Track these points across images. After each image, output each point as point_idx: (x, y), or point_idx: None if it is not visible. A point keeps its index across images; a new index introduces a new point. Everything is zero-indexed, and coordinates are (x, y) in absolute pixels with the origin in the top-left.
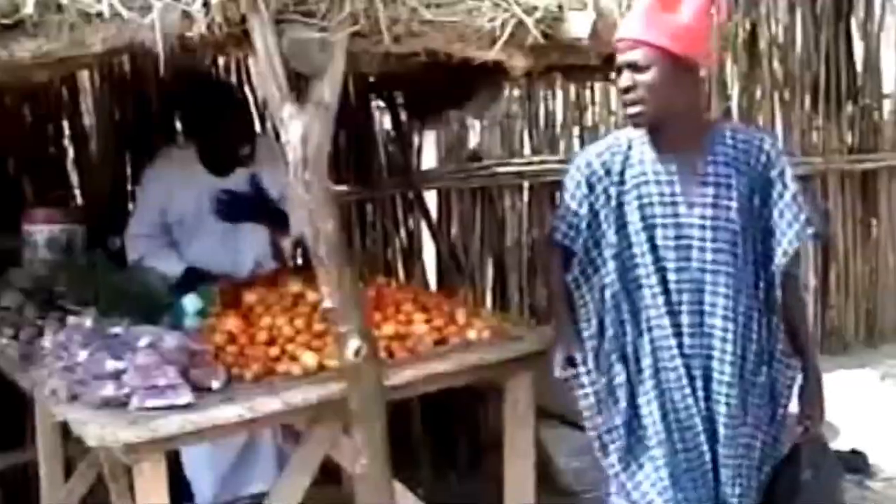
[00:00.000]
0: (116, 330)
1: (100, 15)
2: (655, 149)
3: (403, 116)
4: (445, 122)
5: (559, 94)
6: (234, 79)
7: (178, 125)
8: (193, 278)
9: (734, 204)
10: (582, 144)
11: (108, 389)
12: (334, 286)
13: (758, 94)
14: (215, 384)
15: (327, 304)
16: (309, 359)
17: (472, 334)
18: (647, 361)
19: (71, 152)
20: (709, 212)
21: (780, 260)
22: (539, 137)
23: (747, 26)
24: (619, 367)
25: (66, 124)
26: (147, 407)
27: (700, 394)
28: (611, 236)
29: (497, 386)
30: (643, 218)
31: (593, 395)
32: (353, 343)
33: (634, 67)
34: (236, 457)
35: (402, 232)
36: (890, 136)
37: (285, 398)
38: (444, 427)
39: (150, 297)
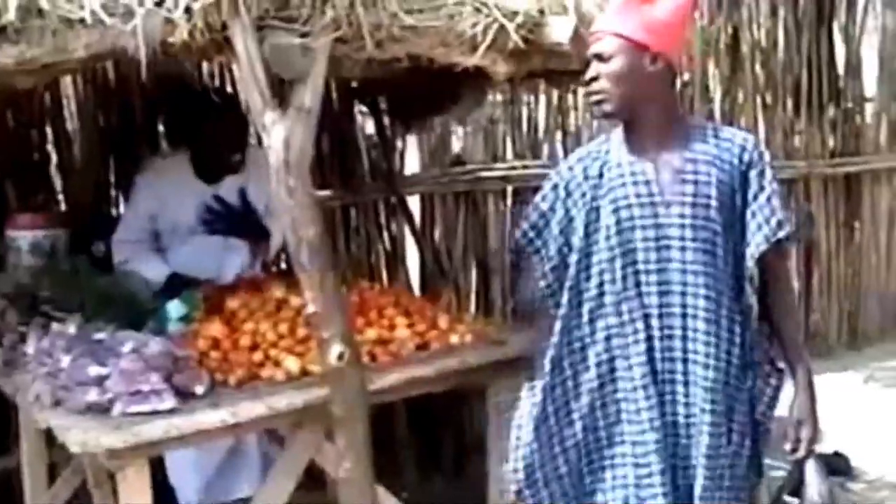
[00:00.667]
0: (100, 336)
1: (82, 21)
2: (632, 148)
3: (387, 121)
4: (429, 126)
5: (542, 98)
6: (226, 85)
7: (162, 131)
8: (178, 283)
9: (714, 202)
10: (565, 149)
11: (92, 395)
12: (317, 291)
13: (740, 97)
14: (199, 389)
15: (310, 309)
16: (292, 364)
17: (454, 338)
18: (595, 371)
19: (54, 157)
20: (688, 210)
21: (748, 262)
22: (522, 142)
23: (729, 30)
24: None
25: (49, 129)
26: (131, 412)
27: (680, 400)
28: (576, 240)
29: (481, 389)
30: (618, 221)
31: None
32: (336, 348)
33: (599, 58)
34: (221, 462)
35: (386, 236)
36: (872, 140)
37: (269, 403)
38: (428, 430)
39: (135, 303)
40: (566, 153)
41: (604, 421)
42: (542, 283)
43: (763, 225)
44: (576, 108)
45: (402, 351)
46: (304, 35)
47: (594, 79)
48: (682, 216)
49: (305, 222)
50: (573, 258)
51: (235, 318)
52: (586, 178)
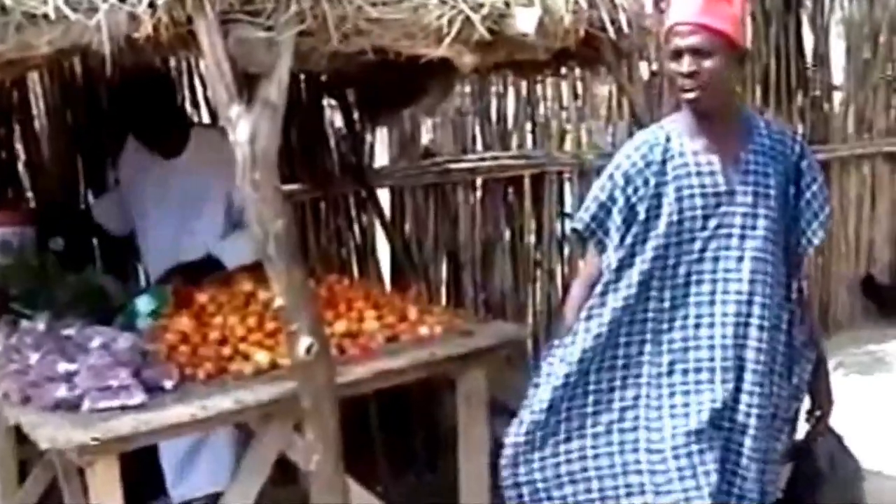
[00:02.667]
0: (69, 332)
1: (46, 17)
2: (696, 138)
3: (355, 114)
4: (397, 119)
5: (511, 89)
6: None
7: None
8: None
9: (772, 192)
10: (534, 140)
11: (61, 391)
12: (284, 284)
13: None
14: (168, 384)
15: (278, 302)
16: (261, 357)
17: (423, 330)
18: (624, 351)
19: (22, 154)
20: (750, 199)
21: (806, 250)
22: (491, 133)
23: None
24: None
25: (16, 126)
26: (100, 408)
27: (730, 386)
28: (635, 225)
29: (451, 380)
30: (681, 210)
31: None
32: (305, 341)
33: (698, 52)
34: (191, 451)
35: (356, 229)
36: (840, 128)
37: (238, 397)
38: (401, 423)
39: (104, 299)
40: (535, 144)
41: (620, 403)
42: (608, 275)
43: (819, 212)
44: (545, 99)
45: (372, 343)
46: (268, 29)
47: (693, 74)
48: (744, 204)
49: (272, 216)
50: (628, 241)
51: (204, 312)
52: (647, 164)
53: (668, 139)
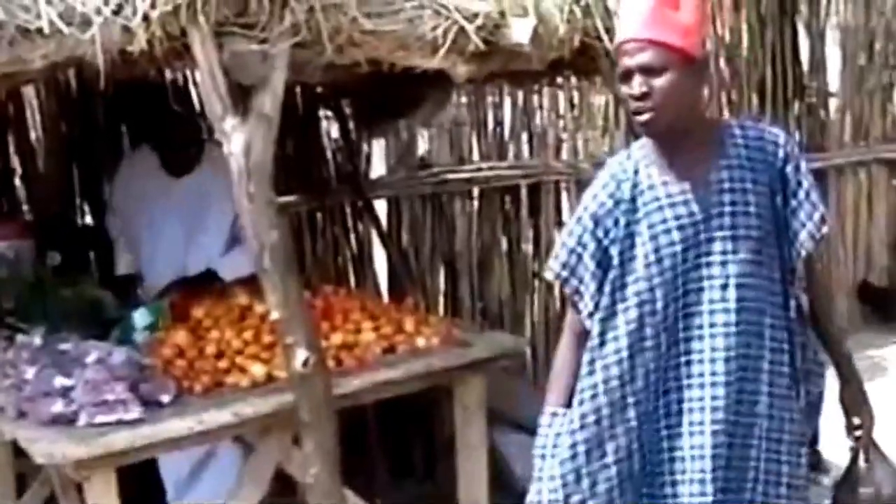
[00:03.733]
0: (65, 346)
1: (40, 31)
2: (664, 166)
3: (352, 125)
4: (394, 129)
5: (507, 99)
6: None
7: (126, 134)
8: (126, 287)
9: (752, 209)
10: (531, 150)
11: (57, 406)
12: (280, 297)
13: (705, 93)
14: (165, 398)
15: (274, 315)
16: (258, 370)
17: (420, 341)
18: (634, 412)
19: (18, 168)
20: (727, 221)
21: (795, 262)
22: (488, 144)
23: None
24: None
25: (12, 139)
26: (96, 423)
27: (730, 419)
28: (621, 268)
29: (449, 390)
30: (657, 248)
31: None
32: (301, 353)
33: (648, 71)
34: (196, 463)
35: (353, 240)
36: (836, 135)
37: (235, 410)
38: (399, 433)
39: (100, 313)
40: (532, 154)
41: (638, 465)
42: (588, 324)
43: (806, 222)
44: (541, 109)
45: (368, 355)
46: (263, 41)
47: (645, 95)
48: (721, 228)
49: (267, 228)
50: (606, 289)
51: (200, 326)
52: (617, 203)
53: (636, 171)
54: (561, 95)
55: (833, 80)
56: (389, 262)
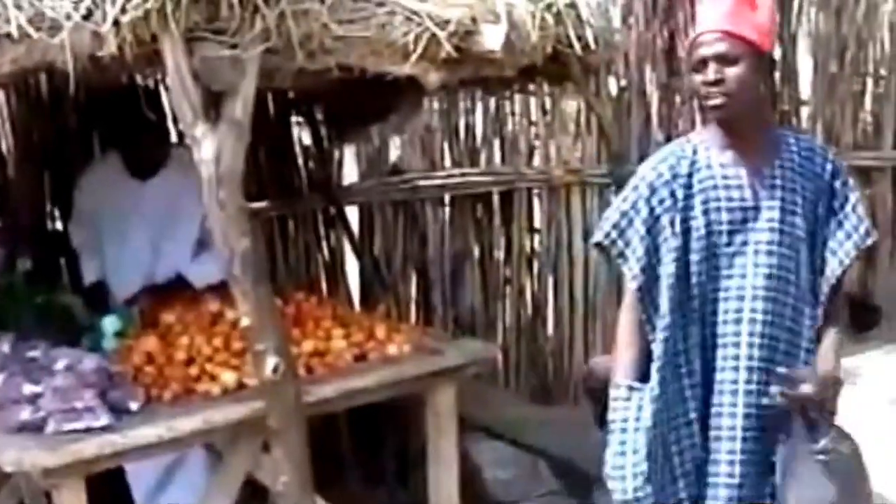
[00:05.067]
0: (34, 353)
1: (9, 35)
2: (724, 151)
3: (323, 131)
4: (366, 136)
5: (479, 106)
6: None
7: (97, 138)
8: (97, 295)
9: (799, 210)
10: (503, 156)
11: (25, 413)
12: (251, 304)
13: (677, 101)
14: (134, 405)
15: (244, 321)
16: (228, 377)
17: (392, 349)
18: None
19: None
20: (776, 215)
21: (835, 271)
22: (460, 150)
23: (665, 35)
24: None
25: None
26: (65, 430)
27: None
28: (671, 240)
29: (420, 398)
30: (708, 224)
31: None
32: (271, 360)
33: (723, 60)
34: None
35: (325, 247)
36: None
37: (205, 417)
38: (371, 441)
39: (70, 319)
40: (504, 161)
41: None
42: (633, 286)
43: (852, 233)
44: (513, 115)
45: (339, 362)
46: (233, 47)
47: (718, 81)
48: (770, 220)
49: (237, 235)
50: (670, 257)
51: (170, 332)
52: (675, 176)
53: (695, 151)
54: (533, 102)
55: (804, 87)
56: (361, 269)
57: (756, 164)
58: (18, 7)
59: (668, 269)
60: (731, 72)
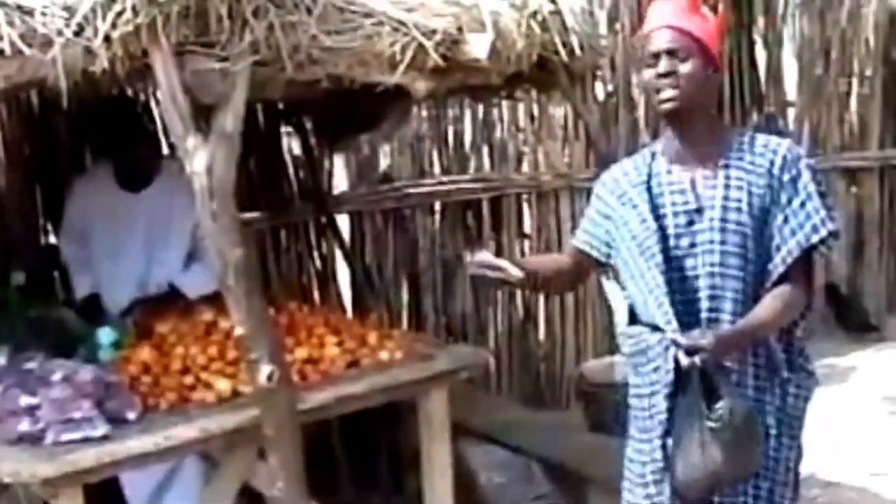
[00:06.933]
0: (30, 365)
1: (1, 52)
2: (673, 157)
3: (313, 141)
4: (355, 145)
5: (467, 113)
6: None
7: (88, 150)
8: (91, 308)
9: (745, 206)
10: (492, 163)
11: (24, 425)
12: (244, 313)
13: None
14: (131, 415)
15: (238, 330)
16: (223, 386)
17: (384, 355)
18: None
19: None
20: (717, 213)
21: (776, 267)
22: (449, 157)
23: None
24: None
25: None
26: (63, 441)
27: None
28: (630, 244)
29: (413, 403)
30: (659, 228)
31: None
32: (265, 368)
33: (674, 54)
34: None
35: (316, 256)
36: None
37: (201, 425)
38: (364, 447)
39: (65, 331)
40: (493, 167)
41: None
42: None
43: (797, 230)
44: (501, 122)
45: (333, 369)
46: (223, 59)
47: (670, 73)
48: (711, 220)
49: (230, 245)
50: (628, 265)
51: (165, 342)
52: (625, 173)
53: (654, 156)
54: (521, 108)
55: (790, 89)
56: (353, 277)
57: (702, 167)
58: (11, 24)
59: (627, 263)
60: (682, 67)
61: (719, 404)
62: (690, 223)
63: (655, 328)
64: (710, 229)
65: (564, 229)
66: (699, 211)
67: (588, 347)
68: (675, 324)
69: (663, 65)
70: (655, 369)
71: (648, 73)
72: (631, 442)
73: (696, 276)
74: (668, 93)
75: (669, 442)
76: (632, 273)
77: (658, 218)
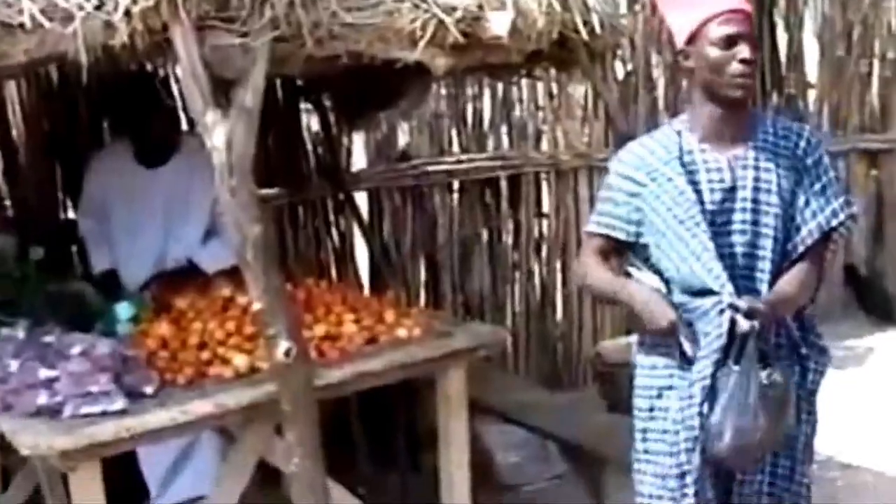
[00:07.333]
0: (49, 339)
1: (21, 26)
2: (704, 135)
3: (332, 118)
4: (374, 122)
5: (486, 91)
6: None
7: (106, 126)
8: (109, 284)
9: (774, 188)
10: (510, 141)
11: (42, 398)
12: (262, 289)
13: (683, 86)
14: (149, 389)
15: (256, 306)
16: (240, 361)
17: (401, 332)
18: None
19: (0, 163)
20: (749, 194)
21: (797, 247)
22: (467, 135)
23: None
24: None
25: None
26: (81, 414)
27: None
28: (659, 221)
29: (431, 381)
30: (701, 202)
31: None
32: (283, 344)
33: (749, 40)
34: (177, 457)
35: (334, 233)
36: (814, 126)
37: (218, 401)
38: (382, 424)
39: (83, 306)
40: (512, 146)
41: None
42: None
43: (818, 213)
44: (520, 101)
45: (350, 346)
46: (243, 35)
47: (753, 61)
48: (744, 200)
49: (249, 221)
50: (665, 237)
51: (183, 317)
52: (652, 152)
53: (679, 133)
54: (540, 87)
55: (811, 70)
56: (370, 254)
57: (734, 147)
58: None
59: (652, 248)
60: (756, 55)
61: (769, 370)
62: (723, 201)
63: (700, 295)
64: (741, 210)
65: (583, 209)
66: (732, 189)
67: (605, 327)
68: (730, 287)
69: (746, 51)
70: (704, 335)
71: (718, 55)
72: (657, 412)
73: (731, 255)
74: (748, 80)
75: (705, 409)
76: (671, 242)
77: (699, 191)
